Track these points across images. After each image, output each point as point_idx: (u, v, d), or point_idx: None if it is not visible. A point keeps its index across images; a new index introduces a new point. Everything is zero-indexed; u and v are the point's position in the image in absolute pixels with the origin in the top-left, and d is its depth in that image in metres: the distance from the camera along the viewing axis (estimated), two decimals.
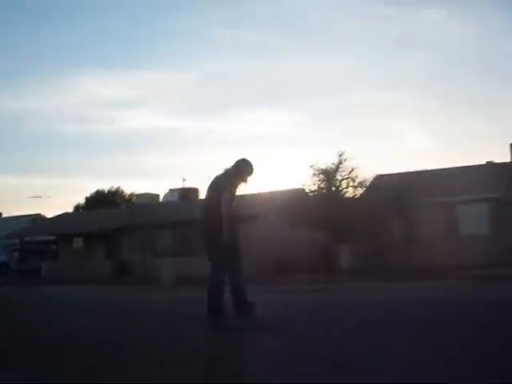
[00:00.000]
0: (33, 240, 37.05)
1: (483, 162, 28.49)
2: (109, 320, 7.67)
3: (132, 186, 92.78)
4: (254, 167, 6.30)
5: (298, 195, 23.92)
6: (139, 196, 38.37)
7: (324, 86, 66.06)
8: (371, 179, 25.29)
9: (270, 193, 27.30)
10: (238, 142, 65.59)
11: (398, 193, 22.58)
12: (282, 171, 61.27)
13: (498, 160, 28.48)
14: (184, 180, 34.93)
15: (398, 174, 27.17)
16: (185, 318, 7.21)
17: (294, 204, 23.19)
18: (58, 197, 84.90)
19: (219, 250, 5.87)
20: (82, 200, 51.50)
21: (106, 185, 63.61)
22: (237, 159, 6.29)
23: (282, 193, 26.95)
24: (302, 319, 6.70)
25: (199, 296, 6.41)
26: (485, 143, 61.34)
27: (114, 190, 51.71)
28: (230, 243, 5.85)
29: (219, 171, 6.30)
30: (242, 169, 6.22)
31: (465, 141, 63.70)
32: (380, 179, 25.50)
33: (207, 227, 6.10)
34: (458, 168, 26.99)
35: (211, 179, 6.32)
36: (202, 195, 21.40)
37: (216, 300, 5.83)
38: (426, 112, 65.40)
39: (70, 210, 47.57)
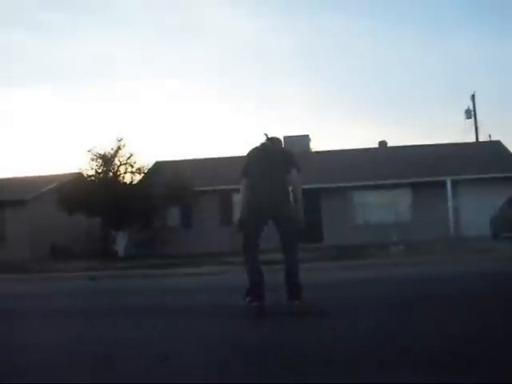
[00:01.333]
0: None
1: None
2: None
3: None
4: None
5: (75, 179, 24.67)
6: None
7: (102, 70, 66.35)
8: (150, 165, 27.03)
9: (45, 176, 27.79)
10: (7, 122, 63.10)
11: (176, 180, 24.36)
12: (58, 155, 60.74)
13: None
14: None
15: (178, 161, 29.30)
16: None
17: (71, 188, 23.85)
18: None
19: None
20: None
21: None
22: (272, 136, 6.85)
23: (58, 176, 27.57)
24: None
25: None
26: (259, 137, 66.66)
27: None
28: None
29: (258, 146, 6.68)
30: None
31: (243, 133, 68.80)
32: (159, 166, 27.37)
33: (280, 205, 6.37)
34: (236, 157, 29.82)
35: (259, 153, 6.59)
36: None
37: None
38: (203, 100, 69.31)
39: None
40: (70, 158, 62.31)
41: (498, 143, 30.93)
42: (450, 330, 4.57)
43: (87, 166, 24.89)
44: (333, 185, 26.52)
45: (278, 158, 6.50)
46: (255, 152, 6.58)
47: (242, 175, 6.39)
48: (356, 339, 4.35)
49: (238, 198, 23.89)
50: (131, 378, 3.48)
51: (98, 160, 24.60)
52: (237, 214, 7.85)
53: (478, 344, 3.95)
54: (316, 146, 33.17)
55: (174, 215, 26.63)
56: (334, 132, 65.41)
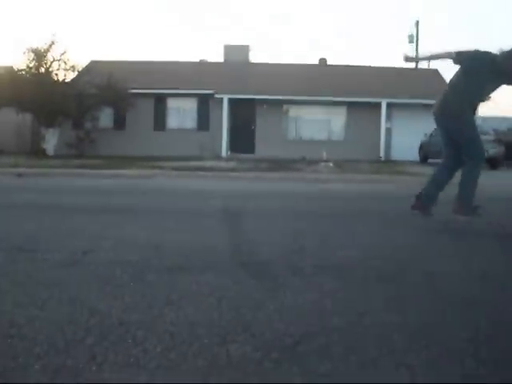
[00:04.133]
0: None
1: (197, 60, 31.38)
2: None
3: None
4: None
5: (4, 73, 23.74)
6: None
7: None
8: (85, 64, 26.28)
9: None
10: None
11: (110, 80, 23.84)
12: None
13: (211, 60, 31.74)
14: None
15: (114, 61, 28.52)
16: None
17: (0, 81, 23.05)
18: None
19: None
20: None
21: None
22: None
23: None
24: None
25: None
26: (200, 43, 65.86)
27: None
28: None
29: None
30: None
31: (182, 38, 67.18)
32: (94, 65, 26.61)
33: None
34: (173, 62, 29.33)
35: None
36: None
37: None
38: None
39: None
40: (1, 51, 59.72)
41: (435, 71, 31.36)
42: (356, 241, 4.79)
43: (18, 60, 24.06)
44: (269, 97, 26.48)
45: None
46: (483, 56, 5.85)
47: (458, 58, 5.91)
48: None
49: (172, 104, 23.86)
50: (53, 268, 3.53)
51: (30, 54, 23.71)
52: None
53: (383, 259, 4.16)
54: (256, 57, 32.85)
55: (106, 117, 26.18)
56: (276, 46, 64.43)
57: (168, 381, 2.01)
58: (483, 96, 6.24)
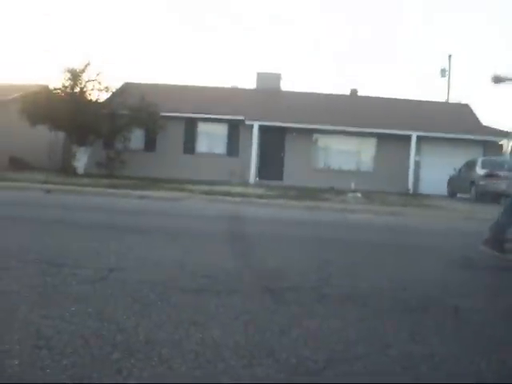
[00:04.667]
0: None
1: (229, 86, 31.75)
2: None
3: None
4: None
5: (41, 91, 24.21)
6: None
7: None
8: (119, 85, 26.75)
9: (10, 85, 27.19)
10: None
11: (142, 102, 24.17)
12: (25, 65, 59.14)
13: (243, 86, 32.13)
14: None
15: (147, 84, 28.97)
16: None
17: (36, 99, 23.50)
18: None
19: None
20: None
21: None
22: None
23: (23, 87, 27.00)
24: None
25: None
26: (232, 69, 66.66)
27: None
28: None
29: None
30: None
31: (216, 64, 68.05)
32: (127, 87, 27.02)
33: None
34: (206, 87, 29.69)
35: None
36: None
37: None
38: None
39: None
40: (38, 70, 60.90)
41: (466, 106, 31.29)
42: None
43: (55, 79, 24.57)
44: (299, 125, 26.57)
45: None
46: None
47: None
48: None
49: (203, 128, 24.15)
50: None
51: (67, 74, 24.19)
52: None
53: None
54: (287, 85, 33.10)
55: (137, 138, 26.50)
56: (308, 75, 64.76)
57: None
58: None
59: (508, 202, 5.81)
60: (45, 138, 25.72)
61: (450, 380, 2.33)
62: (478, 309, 3.65)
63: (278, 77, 31.89)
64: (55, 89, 24.49)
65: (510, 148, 25.47)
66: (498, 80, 6.10)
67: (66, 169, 24.31)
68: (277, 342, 2.66)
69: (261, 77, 31.58)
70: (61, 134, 25.85)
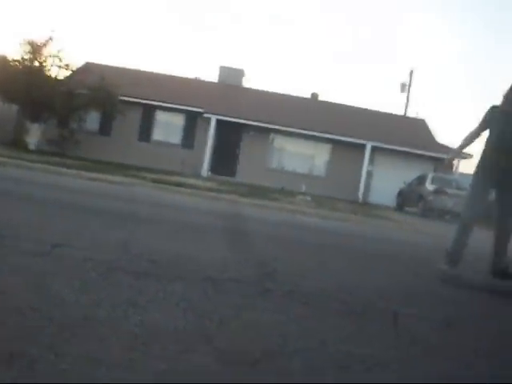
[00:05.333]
0: None
1: (191, 77, 31.54)
2: None
3: None
4: None
5: None
6: None
7: None
8: (80, 65, 26.24)
9: None
10: None
11: (102, 83, 23.69)
12: None
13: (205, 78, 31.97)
14: None
15: (109, 66, 28.52)
16: None
17: None
18: None
19: None
20: None
21: None
22: None
23: None
24: None
25: None
26: (196, 61, 66.38)
27: None
28: None
29: None
30: None
31: (180, 53, 67.64)
32: (88, 67, 26.56)
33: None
34: (167, 76, 29.40)
35: None
36: None
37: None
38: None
39: None
40: None
41: (422, 121, 31.84)
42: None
43: (13, 50, 23.96)
44: (257, 123, 26.57)
45: None
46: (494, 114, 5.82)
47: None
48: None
49: (160, 116, 23.90)
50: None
51: (27, 46, 23.57)
52: None
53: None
54: (250, 82, 33.03)
55: (93, 120, 26.04)
56: (270, 74, 64.94)
57: (125, 380, 1.99)
58: None
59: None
60: None
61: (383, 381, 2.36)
62: (420, 316, 3.71)
63: (240, 73, 31.78)
64: (13, 60, 23.84)
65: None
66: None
67: (16, 143, 23.72)
68: (215, 331, 2.65)
69: (223, 71, 31.41)
70: (14, 107, 25.20)
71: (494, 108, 5.77)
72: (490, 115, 5.77)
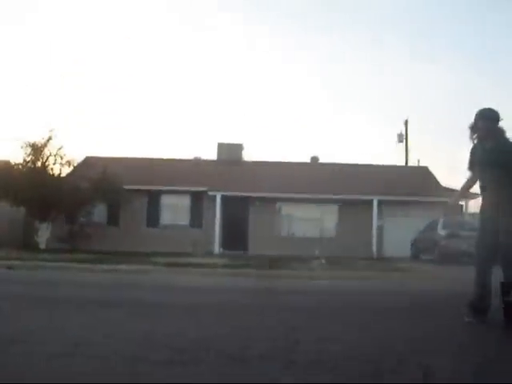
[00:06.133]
0: None
1: (191, 157, 31.94)
2: None
3: None
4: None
5: (1, 167, 24.03)
6: None
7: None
8: (81, 160, 26.75)
9: None
10: None
11: (105, 174, 24.10)
12: None
13: (205, 157, 32.36)
14: None
15: (108, 158, 28.99)
16: None
17: None
18: None
19: None
20: None
21: None
22: None
23: None
24: None
25: None
26: (194, 140, 67.19)
27: None
28: None
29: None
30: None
31: (177, 136, 68.68)
32: (89, 161, 27.04)
33: None
34: (167, 160, 29.81)
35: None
36: None
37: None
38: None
39: None
40: None
41: (425, 169, 32.04)
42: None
43: (15, 154, 24.45)
44: (261, 194, 26.79)
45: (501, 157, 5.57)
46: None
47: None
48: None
49: (166, 200, 24.15)
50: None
51: (27, 148, 24.11)
52: None
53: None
54: (249, 155, 33.33)
55: (100, 212, 26.34)
56: (269, 144, 65.72)
57: None
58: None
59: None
60: (6, 213, 25.35)
61: None
62: (450, 368, 3.69)
63: (239, 147, 32.12)
64: (16, 164, 24.33)
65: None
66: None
67: (27, 244, 23.91)
68: None
69: (222, 147, 31.78)
70: (22, 210, 25.54)
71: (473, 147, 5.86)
72: (471, 152, 5.87)
